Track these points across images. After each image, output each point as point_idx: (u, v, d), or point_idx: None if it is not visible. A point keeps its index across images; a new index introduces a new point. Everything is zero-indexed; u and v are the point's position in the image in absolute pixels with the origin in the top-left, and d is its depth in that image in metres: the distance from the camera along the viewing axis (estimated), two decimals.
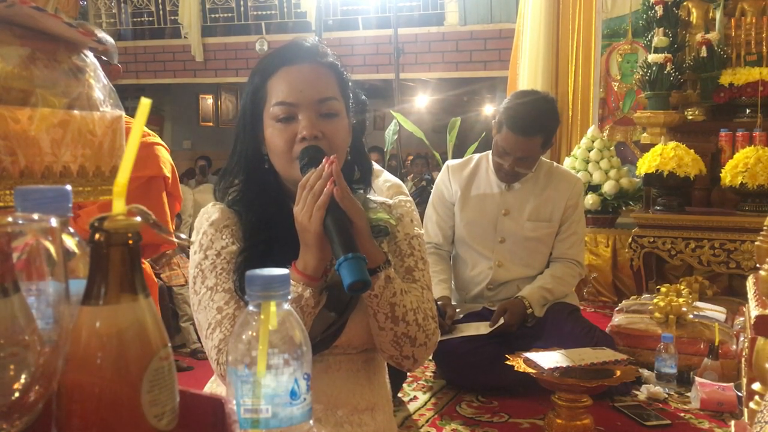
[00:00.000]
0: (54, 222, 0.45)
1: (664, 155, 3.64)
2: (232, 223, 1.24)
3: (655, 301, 2.88)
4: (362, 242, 1.11)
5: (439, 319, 2.49)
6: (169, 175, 2.17)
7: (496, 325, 2.49)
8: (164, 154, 2.19)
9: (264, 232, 1.21)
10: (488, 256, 2.71)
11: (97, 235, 0.48)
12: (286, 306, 0.57)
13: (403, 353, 1.20)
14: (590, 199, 4.11)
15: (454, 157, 3.62)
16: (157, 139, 2.24)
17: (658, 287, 3.20)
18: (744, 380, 1.84)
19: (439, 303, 2.60)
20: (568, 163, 4.32)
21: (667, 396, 2.43)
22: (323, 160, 1.12)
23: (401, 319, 1.17)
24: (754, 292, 1.77)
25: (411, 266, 1.27)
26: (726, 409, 2.27)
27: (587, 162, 4.30)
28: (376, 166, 1.91)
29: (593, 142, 4.34)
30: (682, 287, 3.21)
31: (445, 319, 2.57)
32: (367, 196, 1.32)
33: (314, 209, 1.08)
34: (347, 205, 1.10)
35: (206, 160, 9.03)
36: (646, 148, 3.96)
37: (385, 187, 2.47)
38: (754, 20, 3.98)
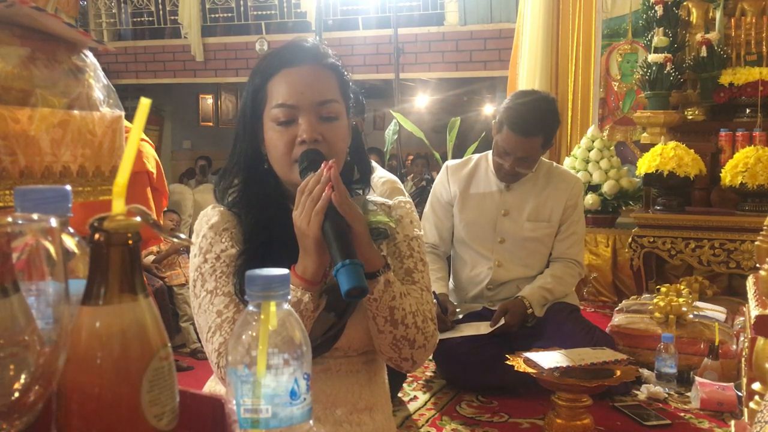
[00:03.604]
0: (54, 222, 0.45)
1: (664, 155, 3.64)
2: (232, 225, 1.24)
3: (655, 301, 2.88)
4: (361, 247, 1.11)
5: (441, 315, 2.52)
6: (153, 170, 2.17)
7: (497, 326, 2.50)
8: (148, 150, 2.19)
9: (263, 234, 1.21)
10: (488, 256, 2.71)
11: (97, 235, 0.48)
12: (286, 306, 0.57)
13: (402, 355, 1.21)
14: (590, 199, 4.11)
15: (454, 157, 3.62)
16: (141, 135, 2.25)
17: (658, 287, 3.20)
18: (744, 380, 1.84)
19: (439, 299, 2.60)
20: (568, 163, 4.32)
21: (667, 396, 2.43)
22: (322, 165, 1.11)
23: (400, 322, 1.17)
24: (754, 292, 1.77)
25: (410, 268, 1.27)
26: (726, 409, 2.27)
27: (587, 162, 4.30)
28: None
29: (593, 142, 4.34)
30: (682, 287, 3.21)
31: (447, 315, 2.57)
32: (367, 197, 1.32)
33: (312, 214, 1.08)
34: (346, 209, 1.09)
35: (206, 160, 9.03)
36: (646, 148, 3.96)
37: (380, 183, 2.47)
38: (754, 20, 3.98)
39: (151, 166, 2.17)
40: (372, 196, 1.34)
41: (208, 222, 1.24)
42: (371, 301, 1.15)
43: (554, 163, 2.82)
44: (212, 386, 1.31)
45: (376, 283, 1.13)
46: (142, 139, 2.22)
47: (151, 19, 8.51)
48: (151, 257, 4.35)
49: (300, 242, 1.12)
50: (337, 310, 1.18)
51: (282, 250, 1.17)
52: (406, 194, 2.57)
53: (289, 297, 0.58)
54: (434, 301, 2.54)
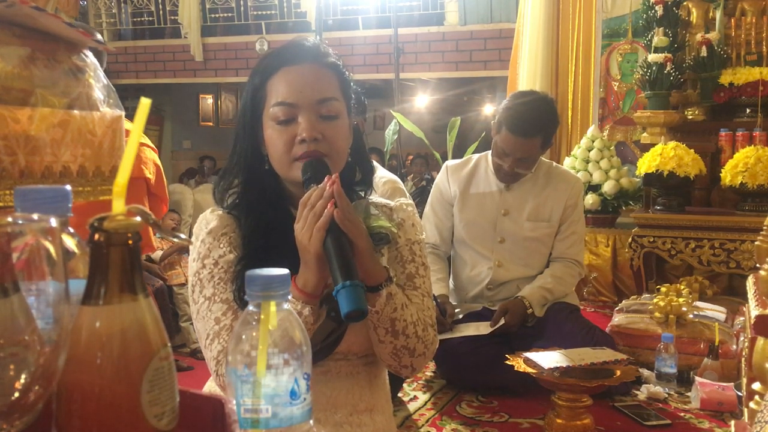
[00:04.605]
0: (54, 222, 0.45)
1: (664, 155, 3.64)
2: (231, 230, 1.23)
3: (655, 301, 2.88)
4: (363, 261, 1.09)
5: (439, 317, 2.51)
6: (151, 176, 2.15)
7: (497, 326, 2.49)
8: (148, 155, 2.16)
9: (263, 239, 1.21)
10: (488, 256, 2.71)
11: (97, 235, 0.48)
12: (286, 306, 0.57)
13: (402, 363, 1.20)
14: (590, 199, 4.11)
15: (454, 157, 3.62)
16: (144, 140, 2.22)
17: (658, 287, 3.20)
18: (744, 380, 1.84)
19: (438, 301, 2.60)
20: (568, 163, 4.32)
21: (667, 396, 2.43)
22: (325, 179, 1.10)
23: (401, 333, 1.16)
24: (754, 292, 1.77)
25: (412, 273, 1.26)
26: (726, 409, 2.27)
27: (587, 162, 4.30)
28: None
29: (593, 141, 4.34)
30: (682, 287, 3.21)
31: (446, 317, 2.57)
32: (369, 199, 1.31)
33: (314, 230, 1.07)
34: (348, 226, 1.08)
35: (212, 160, 9.05)
36: (646, 147, 3.96)
37: (381, 182, 2.47)
38: (754, 20, 3.98)
39: (150, 173, 2.15)
40: (373, 197, 1.33)
41: (206, 226, 1.24)
42: (373, 313, 1.14)
43: (554, 163, 2.82)
44: (212, 386, 1.31)
45: (378, 297, 1.12)
46: (144, 144, 2.20)
47: (151, 19, 8.51)
48: (160, 252, 4.37)
49: (301, 256, 1.11)
50: (337, 316, 1.17)
51: (281, 255, 1.16)
52: (407, 195, 2.57)
53: (289, 298, 0.58)
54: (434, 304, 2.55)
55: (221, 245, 1.21)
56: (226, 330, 1.14)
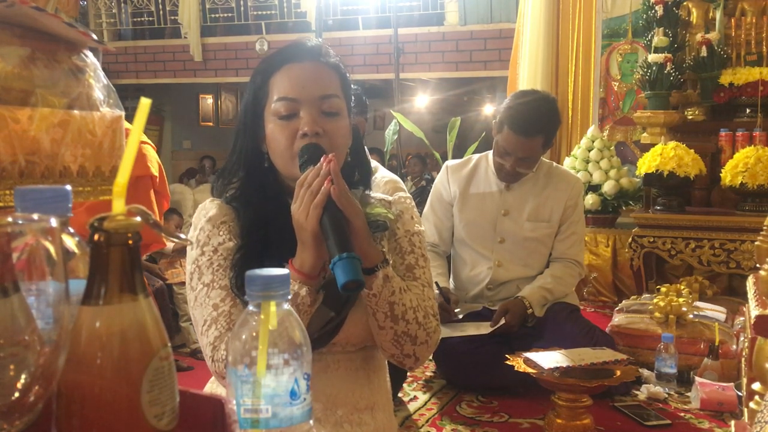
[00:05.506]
0: (54, 222, 0.45)
1: (664, 155, 3.64)
2: (230, 219, 1.24)
3: (655, 301, 2.88)
4: (359, 241, 1.10)
5: (444, 305, 2.51)
6: (156, 173, 2.18)
7: (497, 326, 2.50)
8: (151, 153, 2.20)
9: (262, 229, 1.21)
10: (488, 256, 2.71)
11: (97, 235, 0.48)
12: (286, 306, 0.57)
13: (404, 352, 1.20)
14: (590, 199, 4.11)
15: (454, 157, 3.62)
16: (144, 138, 2.26)
17: (658, 287, 3.20)
18: (744, 380, 1.84)
19: (441, 290, 2.59)
20: (568, 163, 4.32)
21: (667, 396, 2.43)
22: (321, 158, 1.11)
23: (401, 318, 1.17)
24: (754, 292, 1.77)
25: (411, 264, 1.26)
26: (726, 409, 2.27)
27: (587, 162, 4.30)
28: (372, 162, 1.90)
29: (593, 142, 4.34)
30: (682, 287, 3.21)
31: (450, 304, 2.56)
32: (366, 192, 1.32)
33: (311, 208, 1.08)
34: (344, 204, 1.09)
35: (212, 160, 9.06)
36: (646, 148, 3.96)
37: (383, 182, 2.47)
38: (754, 20, 3.98)
39: (155, 170, 2.18)
40: (372, 192, 1.34)
41: (206, 215, 1.24)
42: (370, 297, 1.14)
43: (554, 163, 2.82)
44: (212, 386, 1.31)
45: (374, 279, 1.13)
46: (145, 142, 2.22)
47: (151, 19, 8.52)
48: (171, 245, 4.37)
49: (298, 235, 1.12)
50: (336, 306, 1.18)
51: (280, 245, 1.17)
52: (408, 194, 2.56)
53: (289, 296, 0.58)
54: (437, 292, 2.54)
55: (221, 233, 1.21)
56: (224, 316, 1.14)
